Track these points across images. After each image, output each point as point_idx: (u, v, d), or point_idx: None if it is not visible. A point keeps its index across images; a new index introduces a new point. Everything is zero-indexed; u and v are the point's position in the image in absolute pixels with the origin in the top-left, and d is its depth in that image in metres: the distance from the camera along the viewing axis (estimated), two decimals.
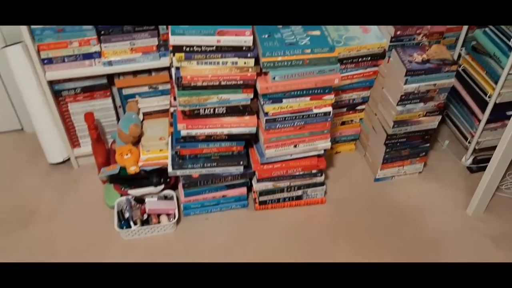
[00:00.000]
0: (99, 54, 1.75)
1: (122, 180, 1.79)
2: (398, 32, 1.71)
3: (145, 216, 1.79)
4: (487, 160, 2.07)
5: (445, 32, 1.80)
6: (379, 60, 1.81)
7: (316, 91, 1.59)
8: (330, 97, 1.62)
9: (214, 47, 1.42)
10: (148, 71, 1.86)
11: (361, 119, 2.07)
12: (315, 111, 1.64)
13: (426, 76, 1.69)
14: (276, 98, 1.57)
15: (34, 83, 1.81)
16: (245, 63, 1.48)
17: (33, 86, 1.82)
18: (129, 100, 1.93)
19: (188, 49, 1.41)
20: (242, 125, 1.62)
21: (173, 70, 1.56)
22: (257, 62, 1.50)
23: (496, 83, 1.85)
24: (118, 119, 2.00)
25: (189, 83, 1.48)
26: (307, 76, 1.55)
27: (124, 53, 1.76)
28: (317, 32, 1.56)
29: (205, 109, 1.57)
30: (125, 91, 1.90)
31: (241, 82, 1.52)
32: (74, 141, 1.98)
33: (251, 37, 1.41)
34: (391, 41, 1.74)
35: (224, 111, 1.59)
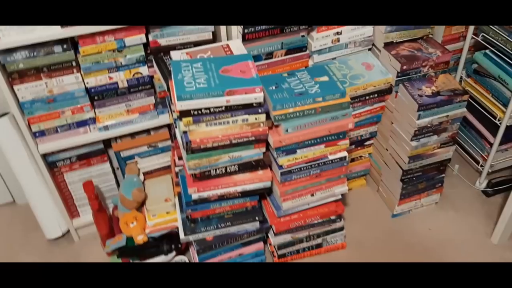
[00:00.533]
0: (93, 120, 1.64)
1: (131, 252, 1.66)
2: (404, 67, 1.65)
3: None
4: (503, 182, 2.03)
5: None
6: (386, 95, 1.74)
7: (330, 138, 1.51)
8: (345, 142, 1.54)
9: (223, 107, 1.33)
10: (147, 131, 1.76)
11: (370, 153, 2.00)
12: (331, 157, 1.56)
13: (438, 109, 1.63)
14: (290, 149, 1.49)
15: (25, 155, 1.68)
16: (256, 119, 1.39)
17: (24, 158, 1.69)
18: (128, 162, 1.81)
19: (196, 112, 1.32)
20: (256, 181, 1.52)
21: (177, 132, 1.46)
22: (267, 115, 1.41)
23: (504, 105, 1.80)
24: (117, 182, 1.88)
25: (198, 146, 1.38)
26: (320, 124, 1.47)
27: (120, 116, 1.66)
28: (325, 78, 1.49)
29: (216, 170, 1.47)
30: (123, 153, 1.79)
31: (253, 138, 1.43)
32: (72, 212, 1.85)
33: (262, 94, 1.33)
34: (397, 76, 1.68)
35: (237, 169, 1.49)
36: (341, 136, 1.53)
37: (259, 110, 1.37)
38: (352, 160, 1.98)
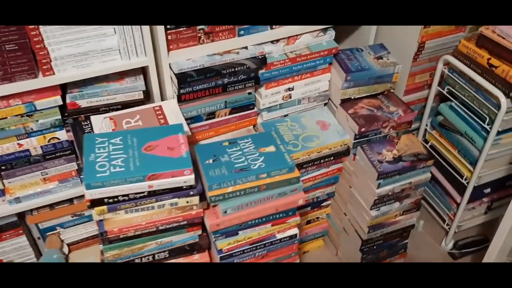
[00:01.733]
0: (2, 192, 1.39)
1: None
2: (363, 129, 1.47)
3: None
4: (470, 244, 1.87)
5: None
6: (343, 157, 1.56)
7: (277, 216, 1.31)
8: (296, 220, 1.35)
9: (145, 193, 1.11)
10: (69, 200, 1.52)
11: (327, 214, 1.81)
12: (279, 236, 1.36)
13: (400, 176, 1.45)
14: (230, 232, 1.28)
15: None
16: (187, 202, 1.18)
17: None
18: (49, 234, 1.57)
19: (111, 200, 1.09)
20: None
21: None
22: (202, 195, 1.20)
23: (471, 163, 1.65)
24: (39, 252, 1.62)
25: (117, 236, 1.16)
26: (265, 202, 1.27)
27: (36, 185, 1.42)
28: (271, 148, 1.29)
29: (141, 258, 1.24)
30: (42, 225, 1.54)
31: (185, 222, 1.21)
32: None
33: (192, 176, 1.12)
34: (355, 138, 1.50)
35: (167, 255, 1.27)
36: (290, 213, 1.33)
37: (191, 192, 1.16)
38: (308, 222, 1.79)
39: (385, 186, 1.45)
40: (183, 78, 1.31)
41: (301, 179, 1.37)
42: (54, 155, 1.38)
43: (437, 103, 1.80)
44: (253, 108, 1.50)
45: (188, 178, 1.12)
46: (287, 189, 1.27)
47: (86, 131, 1.28)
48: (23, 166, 1.37)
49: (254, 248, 1.34)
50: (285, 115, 1.58)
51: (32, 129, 1.31)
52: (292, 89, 1.51)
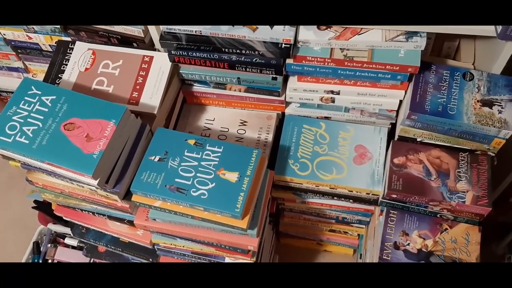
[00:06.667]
0: None
1: None
2: (394, 196, 1.00)
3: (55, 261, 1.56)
4: None
5: None
6: (370, 204, 1.13)
7: (223, 247, 1.06)
8: (246, 259, 1.08)
9: (49, 171, 0.95)
10: None
11: (359, 234, 1.43)
12: (229, 260, 1.12)
13: None
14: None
15: None
16: (107, 195, 0.99)
17: None
18: None
19: (22, 162, 0.97)
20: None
21: None
22: (128, 192, 1.00)
23: None
24: None
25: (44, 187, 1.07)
26: (205, 230, 1.02)
27: None
28: (233, 177, 0.96)
29: (82, 210, 1.16)
30: None
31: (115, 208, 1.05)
32: None
33: (96, 181, 0.91)
34: (383, 198, 1.04)
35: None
36: (239, 251, 1.06)
37: (107, 189, 0.97)
38: (332, 230, 1.45)
39: None
40: (166, 40, 1.00)
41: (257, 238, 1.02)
42: None
43: None
44: (278, 95, 1.11)
45: (90, 182, 0.92)
46: (231, 230, 0.99)
47: (66, 57, 1.11)
48: None
49: (197, 257, 1.14)
50: (326, 117, 1.15)
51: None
52: (338, 93, 1.06)
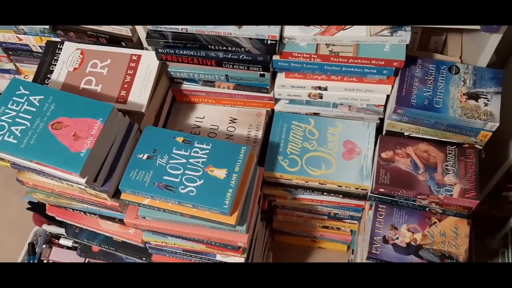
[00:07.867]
0: None
1: None
2: (382, 190, 1.00)
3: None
4: None
5: None
6: (359, 199, 1.13)
7: (213, 243, 1.06)
8: (237, 255, 1.08)
9: (37, 170, 0.96)
10: None
11: (352, 230, 1.43)
12: (220, 258, 1.13)
13: None
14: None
15: None
16: (96, 193, 1.00)
17: None
18: None
19: (11, 162, 0.98)
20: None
21: None
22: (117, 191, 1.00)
23: None
24: None
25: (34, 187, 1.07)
26: (194, 227, 1.02)
27: None
28: (221, 173, 0.97)
29: (73, 210, 1.16)
30: None
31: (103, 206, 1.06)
32: None
33: (83, 180, 0.91)
34: (372, 192, 1.04)
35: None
36: (229, 247, 1.06)
37: (96, 188, 0.97)
38: (325, 227, 1.45)
39: None
40: (153, 39, 1.00)
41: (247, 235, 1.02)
42: None
43: None
44: (266, 92, 1.12)
45: (78, 180, 0.92)
46: (221, 226, 0.99)
47: (55, 58, 1.11)
48: None
49: (189, 255, 1.15)
50: (315, 114, 1.15)
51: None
52: (325, 89, 1.06)
